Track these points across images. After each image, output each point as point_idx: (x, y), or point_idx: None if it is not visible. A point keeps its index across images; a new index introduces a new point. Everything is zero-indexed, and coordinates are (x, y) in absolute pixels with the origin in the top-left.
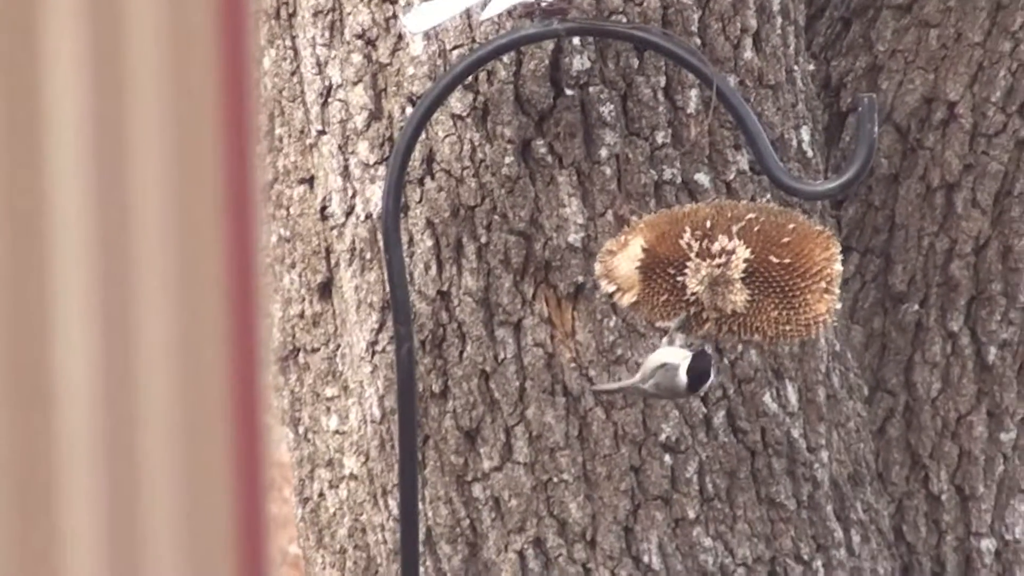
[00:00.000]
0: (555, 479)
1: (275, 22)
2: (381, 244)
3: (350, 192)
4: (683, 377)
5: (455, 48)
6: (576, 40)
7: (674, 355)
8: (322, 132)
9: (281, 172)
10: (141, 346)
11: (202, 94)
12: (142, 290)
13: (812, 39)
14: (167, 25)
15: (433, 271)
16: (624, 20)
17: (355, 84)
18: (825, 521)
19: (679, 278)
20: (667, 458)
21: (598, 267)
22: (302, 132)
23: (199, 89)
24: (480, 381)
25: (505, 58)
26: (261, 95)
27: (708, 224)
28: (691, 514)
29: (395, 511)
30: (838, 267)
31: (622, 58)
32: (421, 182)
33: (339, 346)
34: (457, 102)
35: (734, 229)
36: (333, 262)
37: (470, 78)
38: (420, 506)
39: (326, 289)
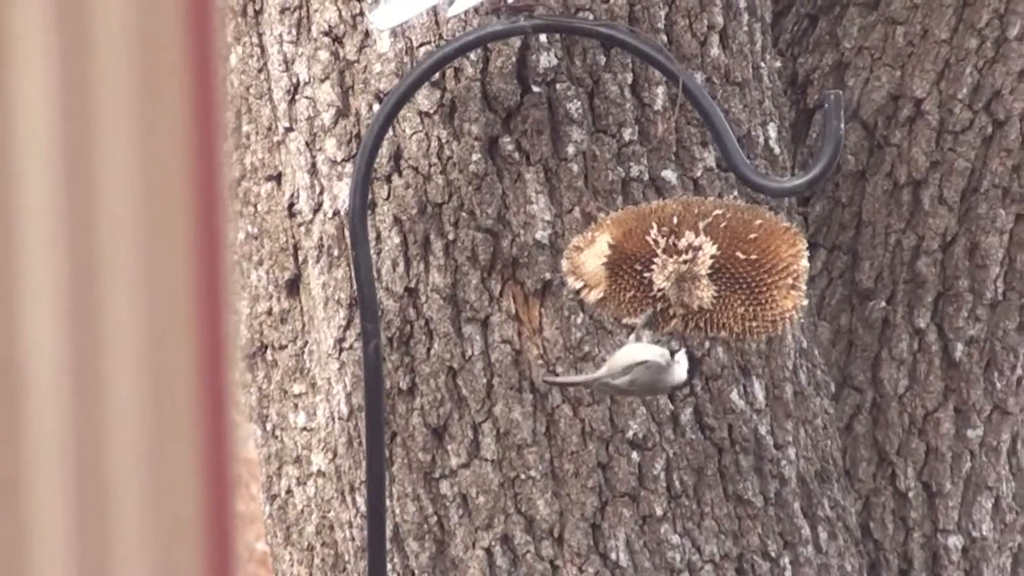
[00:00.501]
0: (522, 476)
1: (241, 19)
2: (348, 241)
3: (317, 189)
4: (680, 375)
5: (422, 45)
6: (543, 37)
7: (650, 352)
8: (289, 129)
9: (248, 169)
10: (108, 343)
11: (169, 91)
12: (109, 287)
13: (779, 36)
14: (133, 22)
15: (400, 268)
16: (591, 17)
17: (322, 81)
18: (792, 518)
19: (646, 274)
20: (634, 455)
21: (565, 263)
22: (269, 129)
23: (166, 86)
24: (447, 378)
25: (472, 55)
26: (228, 92)
27: (675, 220)
28: (658, 511)
29: (363, 508)
30: (805, 263)
31: (589, 55)
32: (388, 179)
33: (307, 343)
34: (424, 99)
35: (701, 225)
36: (301, 259)
37: (437, 75)
38: (387, 503)
39: (294, 286)
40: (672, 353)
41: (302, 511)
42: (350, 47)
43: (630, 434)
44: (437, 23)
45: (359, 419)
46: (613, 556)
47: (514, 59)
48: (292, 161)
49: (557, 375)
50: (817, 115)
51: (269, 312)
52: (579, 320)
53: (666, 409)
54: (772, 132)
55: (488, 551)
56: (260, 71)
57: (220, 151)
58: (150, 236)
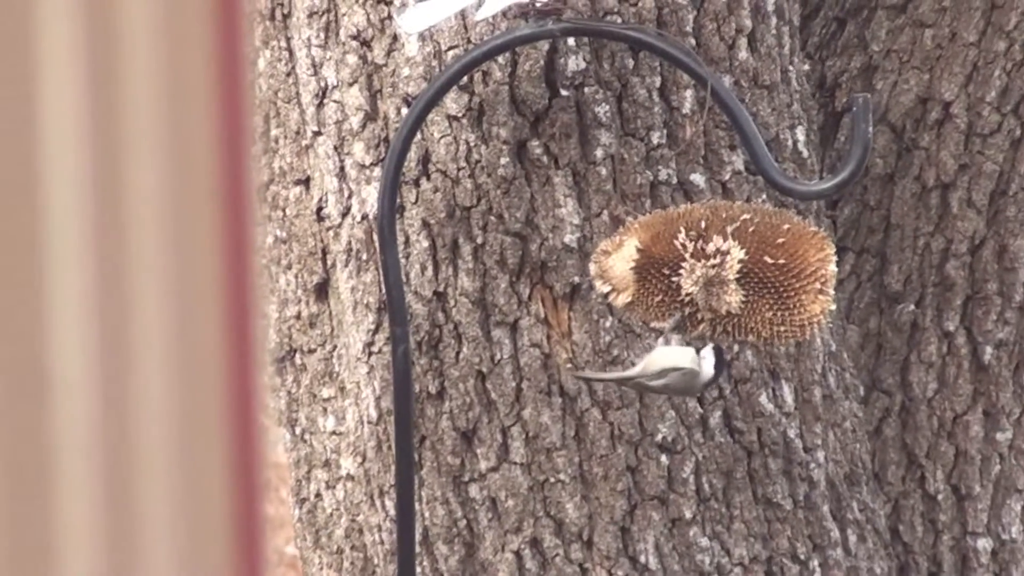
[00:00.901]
0: (552, 479)
1: (270, 23)
2: (377, 245)
3: (346, 193)
4: (708, 371)
5: (450, 49)
6: (571, 41)
7: (685, 358)
8: (318, 133)
9: (277, 173)
10: (137, 348)
11: (197, 96)
12: (138, 292)
13: (807, 39)
14: (162, 27)
15: (429, 272)
16: (619, 20)
17: (350, 85)
18: (821, 521)
19: (674, 279)
20: (663, 458)
21: (593, 267)
22: (298, 133)
23: (194, 91)
24: (476, 382)
25: (500, 59)
26: (256, 96)
27: (703, 225)
28: (688, 514)
29: (392, 512)
30: (833, 268)
31: (617, 59)
32: (417, 183)
33: (336, 347)
34: (452, 103)
35: (729, 230)
36: (329, 263)
37: (465, 79)
38: (417, 507)
39: (322, 290)
40: (698, 350)
41: (331, 515)
42: (378, 51)
43: (659, 437)
44: (465, 27)
45: (388, 423)
46: (642, 559)
47: (542, 63)
48: (320, 165)
49: (581, 370)
50: (845, 118)
51: (298, 316)
52: (608, 324)
53: (695, 412)
54: (800, 135)
55: (517, 554)
56: (288, 75)
57: (248, 155)
58: (178, 240)
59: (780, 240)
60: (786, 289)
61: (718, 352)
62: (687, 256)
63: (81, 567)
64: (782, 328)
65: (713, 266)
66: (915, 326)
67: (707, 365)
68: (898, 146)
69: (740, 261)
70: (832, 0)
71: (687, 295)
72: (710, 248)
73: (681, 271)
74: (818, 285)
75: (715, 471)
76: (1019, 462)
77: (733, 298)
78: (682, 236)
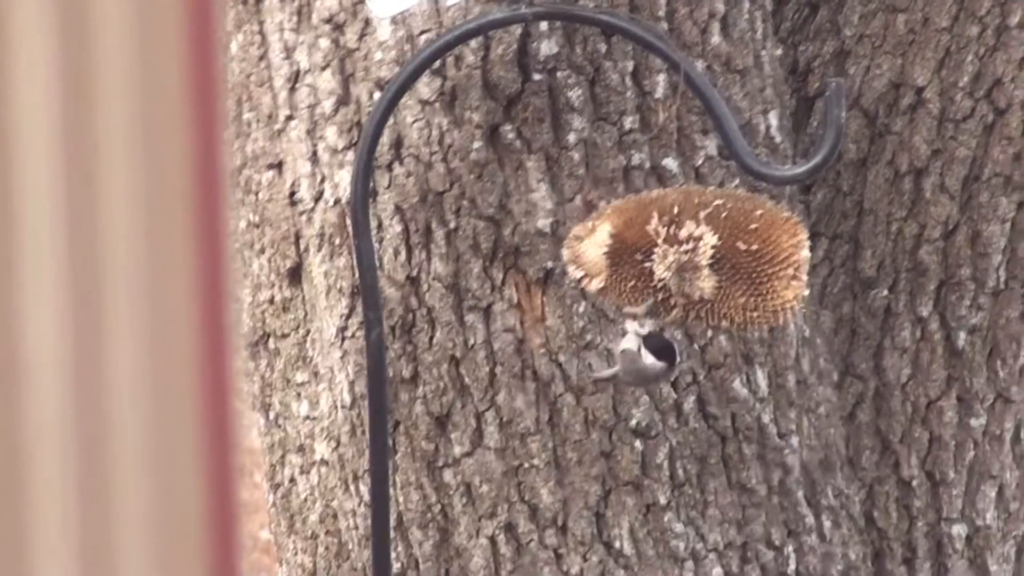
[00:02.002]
0: (526, 464)
1: (242, 7)
2: (350, 230)
3: (319, 177)
4: (647, 358)
5: (422, 33)
6: (544, 25)
7: (631, 340)
8: (290, 117)
9: (249, 157)
10: (110, 333)
11: (169, 79)
12: (111, 276)
13: (779, 24)
14: (134, 10)
15: (402, 256)
16: (591, 5)
17: (323, 69)
18: (796, 507)
19: (646, 264)
20: (637, 444)
21: (566, 252)
22: (270, 117)
23: (166, 74)
24: (450, 366)
25: (473, 43)
26: (228, 80)
27: (675, 210)
28: (662, 500)
29: (366, 497)
30: (806, 253)
31: (590, 43)
32: (390, 167)
33: (309, 332)
34: (425, 87)
35: (701, 215)
36: (302, 247)
37: (438, 63)
38: (391, 492)
39: (295, 274)
40: (656, 340)
41: (305, 500)
42: (351, 35)
43: (633, 423)
44: (438, 11)
45: (362, 408)
46: (617, 544)
47: (515, 47)
48: (293, 149)
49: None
50: (818, 103)
51: (271, 301)
52: (581, 308)
53: (669, 398)
54: (773, 120)
55: (492, 539)
56: (261, 59)
57: (221, 139)
58: (151, 224)
59: (753, 226)
60: (759, 275)
61: (665, 345)
62: (660, 241)
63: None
64: (755, 314)
65: (686, 252)
66: (888, 311)
67: (649, 357)
68: (871, 131)
69: (713, 247)
70: None
71: (660, 280)
72: (683, 234)
73: (654, 256)
74: (791, 271)
75: (689, 456)
76: (993, 448)
77: (706, 284)
78: (655, 221)
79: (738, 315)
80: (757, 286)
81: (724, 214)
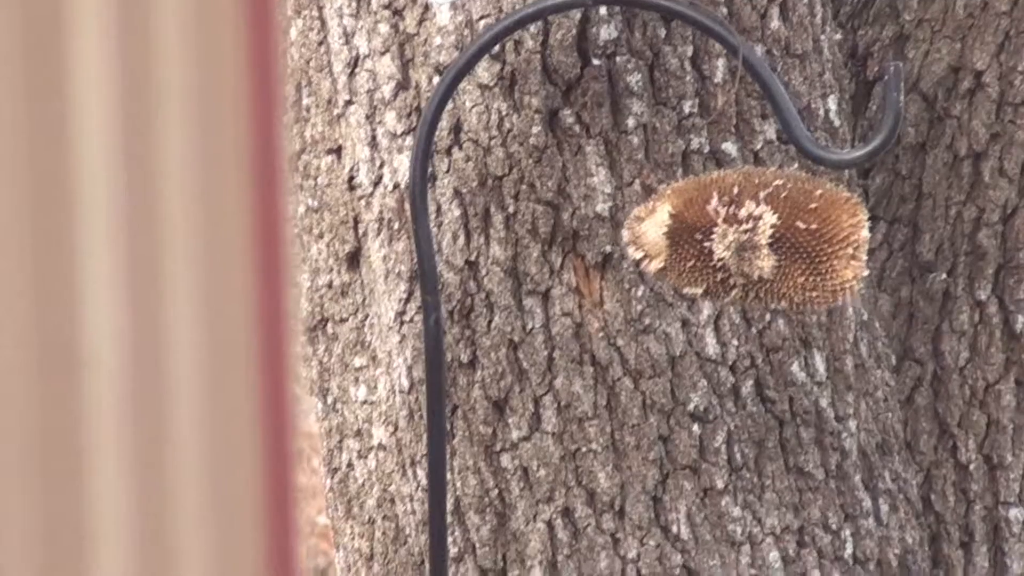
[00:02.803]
0: (583, 449)
1: None
2: (409, 214)
3: (378, 162)
4: None
5: (482, 18)
6: (603, 10)
7: None
8: (349, 102)
9: (309, 142)
10: (168, 318)
11: (229, 65)
12: (169, 262)
13: (839, 9)
14: None
15: (461, 241)
16: None
17: (382, 54)
18: (853, 491)
19: (706, 244)
20: (695, 428)
21: (625, 233)
22: (329, 102)
23: (226, 60)
24: (508, 351)
25: (532, 28)
26: (288, 65)
27: (735, 190)
28: (719, 484)
29: (424, 481)
30: (865, 233)
31: (649, 28)
32: (448, 152)
33: (367, 316)
34: (484, 72)
35: (761, 195)
36: (361, 232)
37: (497, 48)
38: (448, 476)
39: (354, 259)
40: None
41: (363, 484)
42: (410, 20)
43: (691, 407)
44: None
45: (420, 392)
46: (674, 529)
47: (574, 32)
48: (352, 134)
49: None
50: (877, 87)
51: (330, 285)
52: (639, 293)
53: (727, 381)
54: (832, 104)
55: (549, 524)
56: (320, 44)
57: (280, 124)
58: (210, 210)
59: (813, 205)
60: (818, 254)
61: None
62: (719, 221)
63: (116, 535)
64: (814, 294)
65: (745, 231)
66: (947, 295)
67: None
68: (930, 115)
69: (772, 226)
70: None
71: (719, 260)
72: (742, 213)
73: (713, 236)
74: (851, 250)
75: (747, 440)
76: None
77: (765, 263)
78: (715, 201)
79: (797, 295)
80: (816, 265)
81: (784, 194)
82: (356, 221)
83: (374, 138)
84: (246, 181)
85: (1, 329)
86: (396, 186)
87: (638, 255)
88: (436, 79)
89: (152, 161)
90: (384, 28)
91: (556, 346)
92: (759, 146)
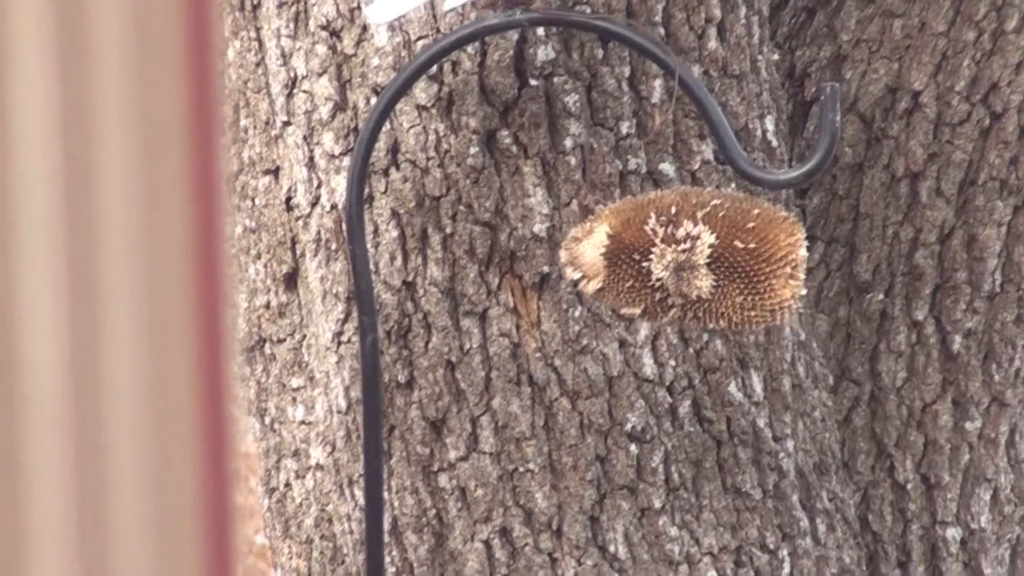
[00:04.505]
0: (521, 469)
1: (239, 13)
2: (346, 235)
3: (315, 183)
4: None
5: (419, 39)
6: (540, 30)
7: None
8: (287, 123)
9: (246, 163)
10: (106, 337)
11: (167, 85)
12: (107, 281)
13: (776, 29)
14: (131, 16)
15: (398, 261)
16: (588, 10)
17: (320, 75)
18: (791, 510)
19: (644, 264)
20: (633, 448)
21: (563, 254)
22: (267, 123)
23: (164, 80)
24: (446, 371)
25: (469, 48)
26: (226, 86)
27: (673, 210)
28: (657, 504)
29: (361, 501)
30: (803, 252)
31: (586, 48)
32: (386, 173)
33: (305, 336)
34: (422, 92)
35: (699, 215)
36: (298, 253)
37: (434, 69)
38: (386, 496)
39: (292, 280)
40: None
41: (301, 504)
42: (348, 41)
43: (628, 427)
44: (434, 17)
45: (357, 412)
46: (612, 548)
47: (511, 52)
48: (290, 155)
49: None
50: (814, 108)
51: (267, 306)
52: (577, 313)
53: (665, 402)
54: (769, 125)
55: (487, 544)
56: (258, 65)
57: (218, 145)
58: (148, 230)
59: (750, 224)
60: (756, 274)
61: None
62: (657, 241)
63: (52, 554)
64: (752, 313)
65: (683, 251)
66: (884, 315)
67: None
68: (867, 135)
69: (710, 246)
70: None
71: (657, 280)
72: (680, 233)
73: (651, 256)
74: (789, 270)
75: (684, 460)
76: (988, 451)
77: (704, 283)
78: (652, 221)
79: (736, 314)
80: (755, 284)
81: (722, 213)
82: (294, 242)
83: (312, 159)
84: (185, 202)
85: None
86: (333, 207)
87: (576, 276)
88: (374, 100)
89: (91, 182)
90: (322, 49)
91: (493, 366)
92: (696, 166)
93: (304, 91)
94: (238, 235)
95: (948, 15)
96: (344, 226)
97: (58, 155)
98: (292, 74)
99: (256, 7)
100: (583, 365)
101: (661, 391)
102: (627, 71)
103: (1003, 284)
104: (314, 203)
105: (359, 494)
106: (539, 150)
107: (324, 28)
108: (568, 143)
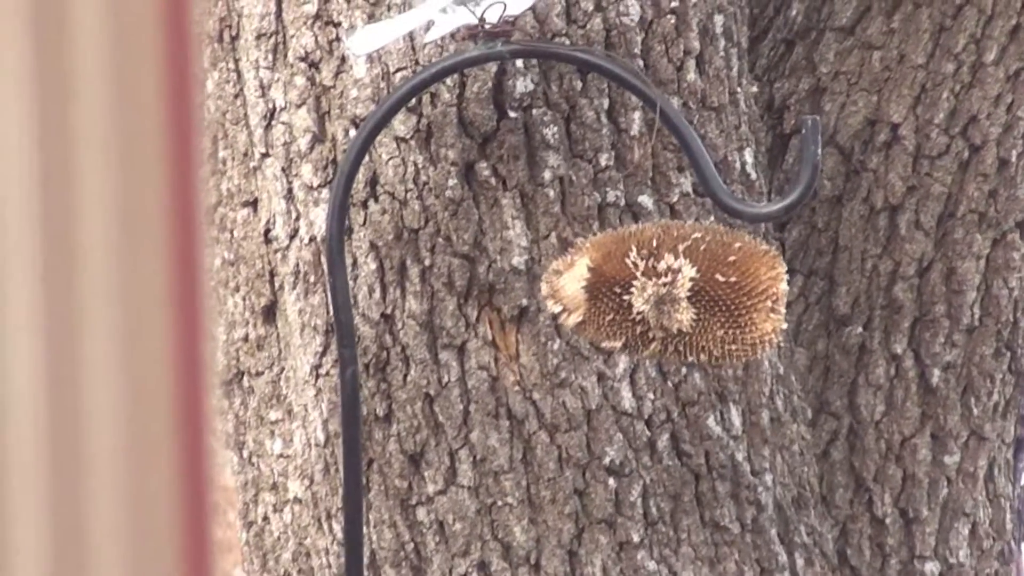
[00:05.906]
0: (499, 503)
1: (218, 45)
2: (325, 267)
3: (294, 215)
4: None
5: (398, 71)
6: (519, 62)
7: None
8: (265, 155)
9: (225, 195)
10: (85, 370)
11: (146, 117)
12: (86, 313)
13: (755, 61)
14: (110, 48)
15: (377, 294)
16: (567, 42)
17: (298, 107)
18: (769, 544)
19: (625, 297)
20: (611, 481)
21: (544, 287)
22: (245, 155)
23: (142, 111)
24: (424, 404)
25: (448, 80)
26: (204, 118)
27: (654, 243)
28: (635, 537)
29: (339, 535)
30: (784, 286)
31: (565, 80)
32: (365, 205)
33: (283, 369)
34: (401, 124)
35: (680, 248)
36: (277, 285)
37: (413, 100)
38: (364, 530)
39: (270, 312)
40: None
41: (279, 538)
42: (326, 73)
43: (607, 460)
44: (413, 49)
45: (336, 446)
46: None
47: (490, 84)
48: (268, 187)
49: None
50: (794, 140)
51: (245, 339)
52: (555, 346)
53: (643, 435)
54: (748, 157)
55: None
56: (236, 97)
57: (197, 177)
58: (127, 261)
59: (731, 258)
60: (737, 307)
61: None
62: (638, 274)
63: None
64: (733, 347)
65: (664, 284)
66: (863, 349)
67: None
68: (846, 168)
69: (691, 279)
70: (780, 22)
71: (638, 313)
72: (661, 266)
73: (632, 289)
74: (769, 303)
75: (663, 494)
76: (967, 485)
77: (684, 316)
78: (633, 255)
79: (716, 348)
80: (736, 318)
81: (703, 247)
82: (272, 274)
83: (290, 191)
84: (164, 234)
85: None
86: (312, 239)
87: (557, 309)
88: (352, 132)
89: (71, 212)
90: (300, 80)
91: (472, 400)
92: (675, 199)
93: (283, 122)
94: (216, 268)
95: (927, 47)
96: (323, 258)
97: (37, 189)
98: (270, 105)
99: (235, 38)
100: (562, 398)
101: (640, 424)
102: (606, 103)
103: (982, 317)
104: (292, 235)
105: (337, 528)
106: (518, 182)
107: (303, 60)
108: (547, 175)
